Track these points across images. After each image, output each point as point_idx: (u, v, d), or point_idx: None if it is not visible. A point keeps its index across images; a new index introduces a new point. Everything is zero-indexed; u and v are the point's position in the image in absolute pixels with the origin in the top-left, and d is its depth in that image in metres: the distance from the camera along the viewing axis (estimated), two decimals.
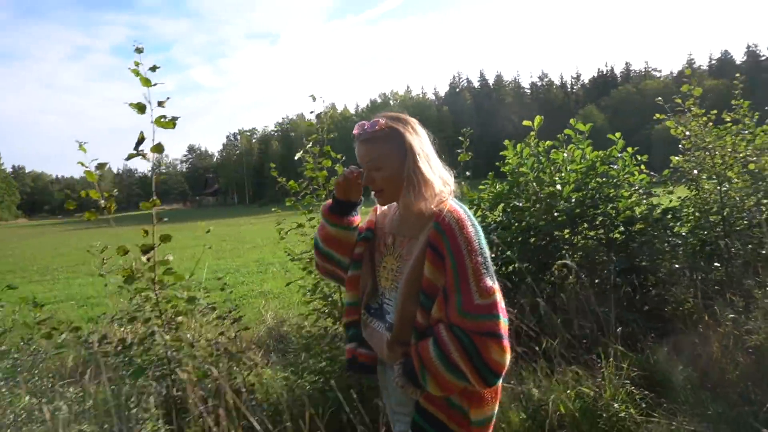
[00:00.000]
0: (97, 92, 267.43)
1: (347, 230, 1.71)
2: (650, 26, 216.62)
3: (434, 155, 1.59)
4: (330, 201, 1.74)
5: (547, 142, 4.47)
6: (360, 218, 1.76)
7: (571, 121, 4.70)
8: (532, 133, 4.46)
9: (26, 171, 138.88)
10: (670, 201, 4.78)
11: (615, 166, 4.49)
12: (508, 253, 3.99)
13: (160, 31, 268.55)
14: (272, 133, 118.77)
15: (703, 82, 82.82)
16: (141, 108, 2.53)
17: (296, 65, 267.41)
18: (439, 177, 1.54)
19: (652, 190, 4.56)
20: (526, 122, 4.43)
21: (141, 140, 2.51)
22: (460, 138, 4.11)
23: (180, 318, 2.54)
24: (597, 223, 4.46)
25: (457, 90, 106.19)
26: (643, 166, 4.59)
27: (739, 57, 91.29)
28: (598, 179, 4.54)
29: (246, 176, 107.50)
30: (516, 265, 4.06)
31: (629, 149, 4.67)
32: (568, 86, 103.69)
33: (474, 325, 1.37)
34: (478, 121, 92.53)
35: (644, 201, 4.48)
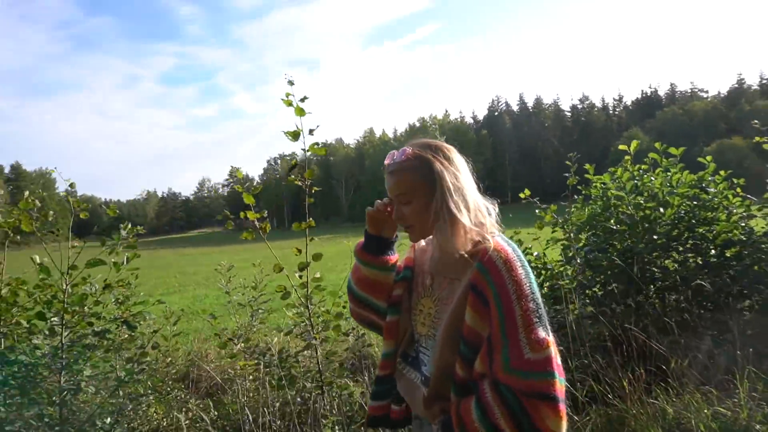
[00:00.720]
0: (145, 119, 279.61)
1: (384, 271, 1.55)
2: (695, 46, 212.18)
3: (471, 185, 1.41)
4: (362, 240, 1.58)
5: (643, 166, 4.52)
6: (398, 257, 1.60)
7: (622, 146, 4.70)
8: (628, 157, 4.52)
9: (78, 194, 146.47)
10: None
11: (710, 189, 4.49)
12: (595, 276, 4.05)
13: (205, 60, 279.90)
14: (312, 157, 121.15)
15: (755, 101, 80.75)
16: (295, 135, 2.76)
17: (335, 91, 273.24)
18: (475, 210, 1.37)
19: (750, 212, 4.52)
20: (622, 146, 4.50)
21: (294, 165, 2.72)
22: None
23: (328, 332, 2.70)
24: (689, 246, 4.46)
25: (496, 114, 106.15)
26: (739, 189, 4.58)
27: None
28: (690, 203, 4.55)
29: (286, 200, 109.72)
30: (613, 286, 4.10)
31: (722, 172, 4.67)
32: (610, 108, 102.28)
33: (524, 385, 1.19)
34: (517, 144, 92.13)
35: (743, 224, 4.46)
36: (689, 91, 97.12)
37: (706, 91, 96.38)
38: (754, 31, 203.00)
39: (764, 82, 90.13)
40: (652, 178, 4.53)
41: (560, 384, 1.20)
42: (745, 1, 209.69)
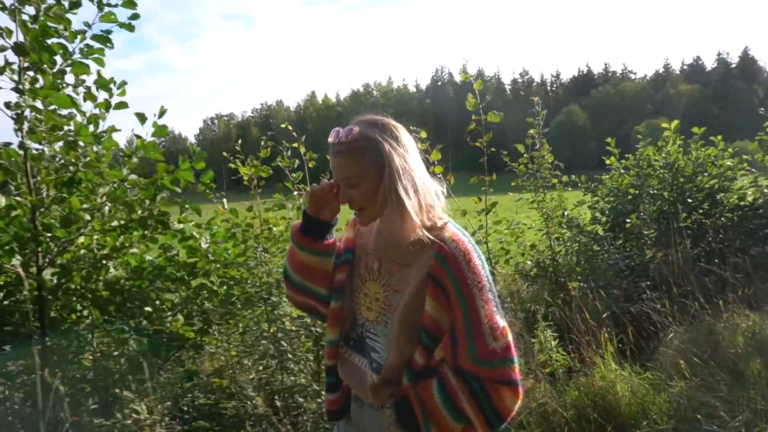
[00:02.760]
0: None
1: (323, 256, 1.46)
2: (628, 30, 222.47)
3: (420, 166, 1.36)
4: (300, 221, 1.48)
5: (672, 145, 5.45)
6: (335, 239, 1.50)
7: (664, 124, 5.58)
8: (668, 132, 5.40)
9: None
10: None
11: (728, 162, 5.50)
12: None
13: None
14: (250, 118, 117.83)
15: (677, 86, 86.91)
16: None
17: (273, 50, 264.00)
18: (424, 193, 1.33)
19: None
20: (664, 123, 5.38)
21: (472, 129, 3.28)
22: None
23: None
24: (706, 208, 5.46)
25: (440, 84, 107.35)
26: (746, 164, 5.63)
27: (710, 63, 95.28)
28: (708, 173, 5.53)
29: (224, 162, 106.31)
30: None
31: (730, 149, 5.69)
32: (548, 85, 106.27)
33: (489, 373, 1.25)
34: (460, 116, 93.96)
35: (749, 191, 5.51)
36: (621, 72, 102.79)
37: (635, 73, 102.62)
38: (680, 18, 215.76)
39: (685, 68, 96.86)
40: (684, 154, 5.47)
41: (518, 367, 1.29)
42: None
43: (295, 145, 3.61)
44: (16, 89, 2.45)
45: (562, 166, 4.54)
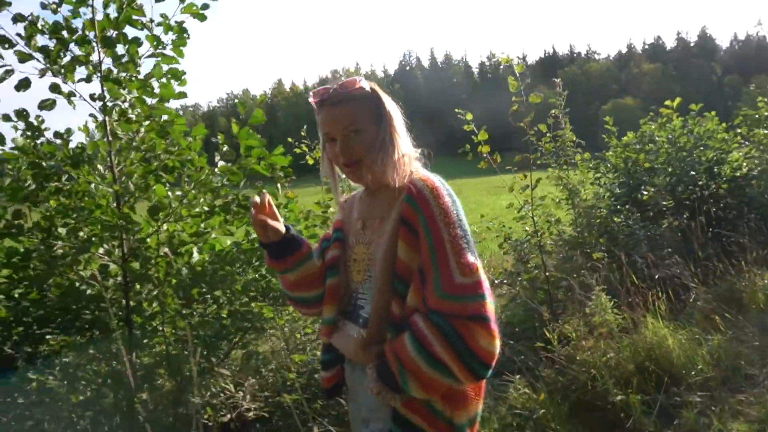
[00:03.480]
0: None
1: (302, 264, 1.47)
2: (591, 11, 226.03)
3: (401, 120, 1.41)
4: (266, 254, 1.48)
5: (680, 119, 5.77)
6: (305, 241, 1.50)
7: (668, 102, 5.92)
8: (669, 111, 5.72)
9: None
10: None
11: (726, 137, 5.87)
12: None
13: None
14: (216, 109, 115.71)
15: (641, 65, 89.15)
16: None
17: (235, 37, 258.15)
18: (408, 142, 1.40)
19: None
20: (668, 102, 5.69)
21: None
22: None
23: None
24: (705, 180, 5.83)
25: (408, 68, 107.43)
26: (739, 138, 6.02)
27: (670, 43, 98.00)
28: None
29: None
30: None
31: (723, 124, 6.07)
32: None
33: (456, 308, 1.19)
34: (429, 101, 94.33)
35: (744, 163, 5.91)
36: (585, 53, 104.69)
37: (599, 54, 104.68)
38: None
39: (647, 47, 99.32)
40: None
41: (490, 305, 1.21)
42: None
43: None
44: (107, 79, 2.52)
45: (583, 144, 4.78)
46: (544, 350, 3.15)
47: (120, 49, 2.63)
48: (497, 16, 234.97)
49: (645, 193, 5.13)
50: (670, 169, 5.64)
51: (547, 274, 3.88)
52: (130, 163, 2.72)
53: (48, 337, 2.69)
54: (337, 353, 1.47)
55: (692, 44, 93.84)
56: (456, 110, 4.06)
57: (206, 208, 2.78)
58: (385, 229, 1.33)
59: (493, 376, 2.33)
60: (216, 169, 2.64)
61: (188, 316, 2.93)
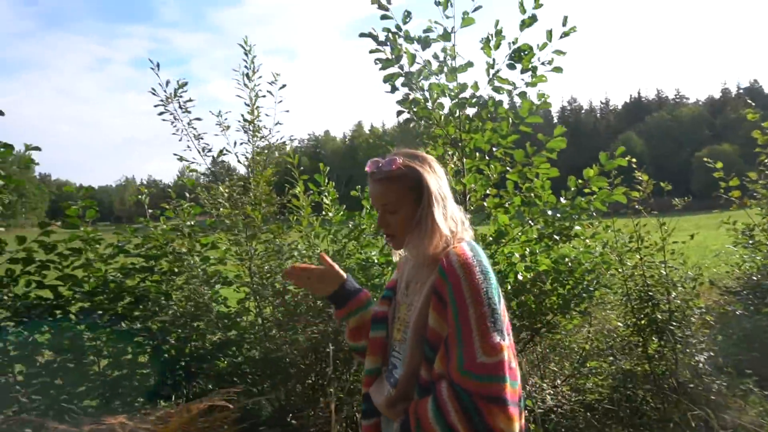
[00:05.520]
0: (114, 103, 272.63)
1: (360, 311, 1.65)
2: (678, 55, 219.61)
3: (450, 197, 1.48)
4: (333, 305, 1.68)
5: None
6: (364, 291, 1.67)
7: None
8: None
9: (52, 179, 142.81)
10: None
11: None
12: None
13: (179, 45, 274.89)
14: (298, 148, 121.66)
15: (738, 110, 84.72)
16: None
17: (315, 81, 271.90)
18: (451, 218, 1.44)
19: None
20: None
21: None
22: None
23: None
24: None
25: None
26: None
27: None
28: None
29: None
30: None
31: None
32: (597, 112, 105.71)
33: (476, 387, 1.22)
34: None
35: None
36: (674, 97, 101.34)
37: (688, 98, 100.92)
38: (736, 42, 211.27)
39: (741, 91, 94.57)
40: None
41: (511, 387, 1.23)
42: (728, 13, 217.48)
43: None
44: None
45: None
46: None
47: None
48: (578, 60, 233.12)
49: None
50: None
51: None
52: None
53: None
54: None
55: None
56: (705, 159, 4.39)
57: (535, 236, 3.46)
58: (423, 294, 1.41)
59: None
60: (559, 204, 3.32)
61: None
